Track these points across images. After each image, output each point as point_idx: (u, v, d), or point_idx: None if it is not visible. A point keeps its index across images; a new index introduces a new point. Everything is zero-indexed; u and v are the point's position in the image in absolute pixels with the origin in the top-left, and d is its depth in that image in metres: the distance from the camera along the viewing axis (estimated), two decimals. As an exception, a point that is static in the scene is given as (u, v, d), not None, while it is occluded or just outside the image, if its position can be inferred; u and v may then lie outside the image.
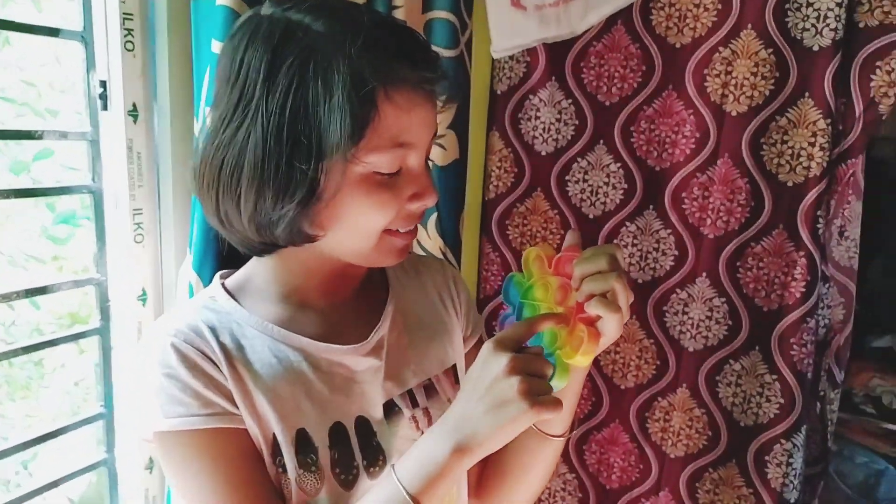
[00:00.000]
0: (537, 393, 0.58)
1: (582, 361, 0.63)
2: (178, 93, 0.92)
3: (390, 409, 0.72)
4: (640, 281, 1.38)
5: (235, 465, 0.63)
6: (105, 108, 0.90)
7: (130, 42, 0.89)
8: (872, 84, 1.16)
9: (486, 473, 0.82)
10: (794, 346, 1.26)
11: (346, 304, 0.73)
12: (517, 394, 0.57)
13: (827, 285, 1.29)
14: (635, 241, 1.38)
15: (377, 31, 0.60)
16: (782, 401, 1.28)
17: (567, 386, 0.68)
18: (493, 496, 0.81)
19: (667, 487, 1.41)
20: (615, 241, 1.39)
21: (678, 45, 1.29)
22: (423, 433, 0.73)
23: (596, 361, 1.45)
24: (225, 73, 0.63)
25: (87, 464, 0.96)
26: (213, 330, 0.66)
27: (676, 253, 1.35)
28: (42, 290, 0.90)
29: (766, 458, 1.29)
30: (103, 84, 0.89)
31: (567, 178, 1.41)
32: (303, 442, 0.66)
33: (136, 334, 0.94)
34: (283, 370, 0.67)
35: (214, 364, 0.64)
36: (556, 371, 0.62)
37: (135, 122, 0.91)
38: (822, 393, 1.33)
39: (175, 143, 0.94)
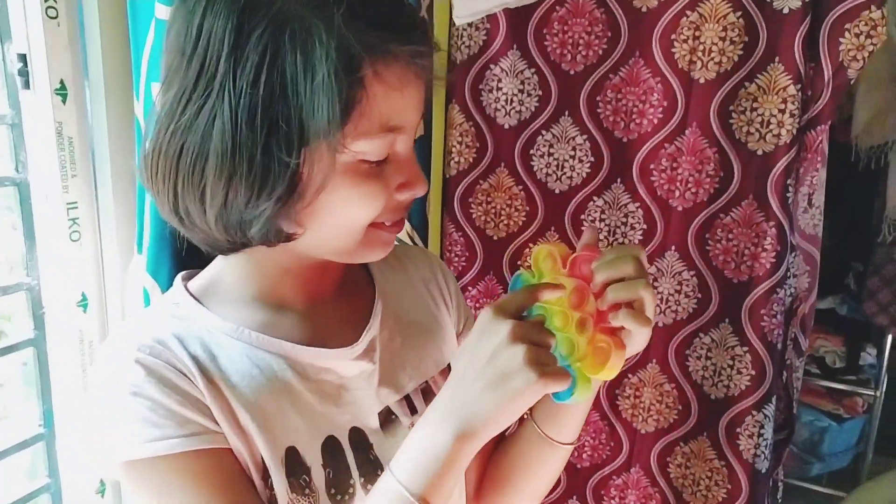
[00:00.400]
0: (544, 363, 0.51)
1: (607, 376, 0.56)
2: (114, 66, 0.80)
3: (387, 417, 0.65)
4: (608, 256, 1.34)
5: (223, 490, 0.55)
6: (27, 86, 0.77)
7: (53, 8, 0.76)
8: (841, 48, 1.14)
9: (488, 479, 0.76)
10: (765, 318, 1.25)
11: (329, 303, 0.66)
12: (523, 363, 0.50)
13: (793, 254, 1.28)
14: (603, 217, 1.34)
15: None
16: (753, 372, 1.27)
17: None
18: (494, 502, 0.76)
19: (638, 463, 1.40)
20: (583, 217, 1.35)
21: (644, 10, 1.24)
22: None
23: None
24: (178, 44, 0.53)
25: (27, 491, 0.85)
26: (180, 340, 0.58)
27: (645, 227, 1.31)
28: (-39, 299, 0.78)
29: (738, 430, 1.29)
30: (23, 58, 0.77)
31: (532, 152, 1.35)
32: (293, 462, 0.58)
33: (78, 344, 0.83)
34: (266, 381, 0.59)
35: (187, 378, 0.56)
36: (575, 385, 0.56)
37: (63, 101, 0.79)
38: (787, 361, 1.34)
39: (112, 126, 0.82)
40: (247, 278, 0.62)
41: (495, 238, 1.41)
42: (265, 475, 0.57)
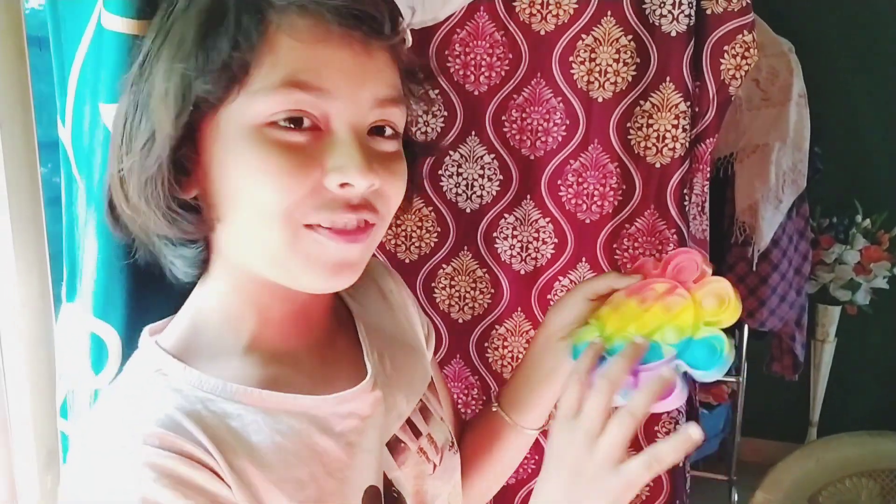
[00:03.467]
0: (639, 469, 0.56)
1: (733, 315, 0.58)
2: (10, 91, 0.69)
3: (395, 446, 0.60)
4: (522, 272, 1.36)
5: None
6: None
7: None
8: (722, 67, 1.25)
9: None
10: (672, 319, 1.32)
11: (321, 344, 0.60)
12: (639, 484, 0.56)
13: (688, 258, 1.37)
14: (515, 233, 1.35)
15: None
16: (666, 372, 1.34)
17: (553, 373, 0.68)
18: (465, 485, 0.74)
19: (562, 473, 1.42)
20: (495, 235, 1.36)
21: (543, 33, 1.28)
22: (434, 465, 0.63)
23: (482, 355, 1.41)
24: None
25: None
26: (193, 416, 0.48)
27: (556, 241, 1.34)
28: None
29: (656, 427, 1.35)
30: None
31: (440, 172, 1.34)
32: None
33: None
34: (294, 448, 0.51)
35: (209, 470, 0.47)
36: (719, 349, 0.57)
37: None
38: (689, 358, 1.42)
39: (9, 158, 0.70)
40: (231, 327, 0.55)
41: (407, 261, 1.37)
42: None
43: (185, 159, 0.50)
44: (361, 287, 0.68)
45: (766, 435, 2.56)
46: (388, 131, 0.53)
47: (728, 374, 2.44)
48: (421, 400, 0.66)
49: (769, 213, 2.09)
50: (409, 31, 0.55)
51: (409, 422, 0.63)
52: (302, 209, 0.49)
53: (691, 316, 0.58)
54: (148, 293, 0.62)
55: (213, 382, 0.51)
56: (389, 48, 0.52)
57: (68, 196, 0.63)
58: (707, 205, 1.39)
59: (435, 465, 0.63)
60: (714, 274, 0.60)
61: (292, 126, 0.48)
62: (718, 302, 0.58)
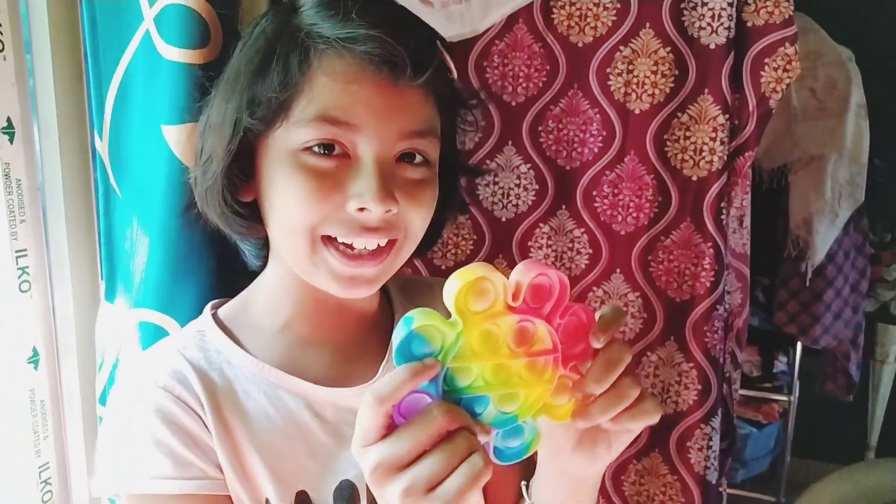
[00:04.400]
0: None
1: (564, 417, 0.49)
2: (68, 104, 0.75)
3: None
4: (556, 282, 1.37)
5: None
6: (-32, 124, 0.71)
7: (-1, 41, 0.71)
8: (762, 80, 1.24)
9: None
10: (707, 334, 1.31)
11: (353, 342, 0.66)
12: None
13: (727, 272, 1.36)
14: (550, 243, 1.37)
15: None
16: (700, 387, 1.33)
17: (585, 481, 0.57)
18: None
19: (593, 484, 1.42)
20: (530, 244, 1.38)
21: (580, 45, 1.29)
22: None
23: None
24: None
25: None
26: (200, 372, 0.57)
27: (591, 251, 1.35)
28: None
29: (689, 443, 1.34)
30: (-36, 95, 0.71)
31: (477, 181, 1.37)
32: None
33: (29, 405, 0.76)
34: (282, 422, 0.58)
35: (198, 417, 0.56)
36: (533, 435, 0.48)
37: (10, 141, 0.73)
38: (727, 374, 1.41)
39: (66, 166, 0.77)
40: (276, 308, 0.63)
41: (443, 268, 1.40)
42: None
43: (244, 170, 0.59)
44: (422, 303, 0.71)
45: (821, 457, 2.46)
46: (418, 159, 0.59)
47: (779, 392, 2.37)
48: None
49: (824, 228, 2.03)
50: (451, 64, 0.60)
51: None
52: (323, 225, 0.56)
53: (540, 398, 0.47)
54: (216, 290, 0.71)
55: (235, 351, 0.60)
56: (422, 84, 0.56)
57: (105, 205, 0.70)
58: (747, 218, 1.37)
59: None
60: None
61: (325, 152, 0.55)
62: (568, 401, 0.48)
